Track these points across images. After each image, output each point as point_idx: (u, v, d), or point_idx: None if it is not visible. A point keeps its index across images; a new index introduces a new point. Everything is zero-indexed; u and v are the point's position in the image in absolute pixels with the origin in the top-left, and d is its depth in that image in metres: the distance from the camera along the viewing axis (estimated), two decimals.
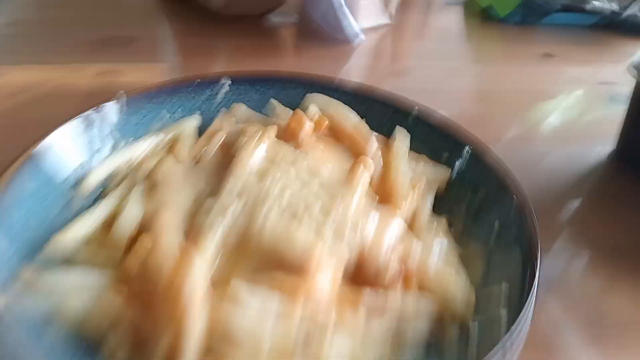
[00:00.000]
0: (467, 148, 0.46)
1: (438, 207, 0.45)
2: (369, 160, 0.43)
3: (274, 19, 0.89)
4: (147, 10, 0.88)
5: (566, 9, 0.96)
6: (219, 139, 0.45)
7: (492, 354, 0.28)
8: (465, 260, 0.40)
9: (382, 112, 0.52)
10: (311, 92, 0.52)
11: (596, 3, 0.94)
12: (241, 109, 0.51)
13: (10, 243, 0.35)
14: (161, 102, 0.49)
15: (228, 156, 0.43)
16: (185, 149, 0.45)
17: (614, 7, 0.94)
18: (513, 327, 0.30)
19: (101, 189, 0.43)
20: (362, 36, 0.83)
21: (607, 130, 0.66)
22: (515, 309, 0.32)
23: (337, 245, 0.36)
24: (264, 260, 0.34)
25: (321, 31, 0.85)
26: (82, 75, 0.67)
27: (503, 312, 0.33)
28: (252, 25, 0.85)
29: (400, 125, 0.49)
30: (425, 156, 0.48)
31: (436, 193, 0.46)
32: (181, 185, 0.40)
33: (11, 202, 0.37)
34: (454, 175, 0.46)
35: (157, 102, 0.49)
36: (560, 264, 0.48)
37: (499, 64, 0.85)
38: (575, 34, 0.96)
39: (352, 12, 0.82)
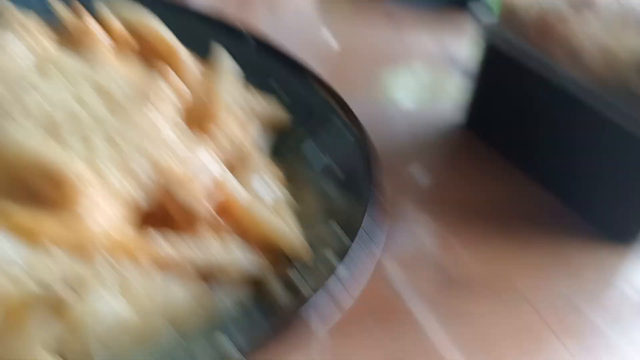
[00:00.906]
0: (305, 81, 0.39)
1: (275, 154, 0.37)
2: (174, 76, 0.33)
3: None
4: None
5: None
6: None
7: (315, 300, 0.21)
8: (296, 199, 0.32)
9: (205, 38, 0.42)
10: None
11: None
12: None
13: None
14: None
15: None
16: None
17: None
18: (340, 267, 0.23)
19: None
20: None
21: (453, 99, 0.64)
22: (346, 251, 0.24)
23: (124, 183, 0.25)
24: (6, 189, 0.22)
25: None
26: None
27: (329, 255, 0.25)
28: None
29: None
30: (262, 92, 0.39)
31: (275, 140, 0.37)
32: None
33: None
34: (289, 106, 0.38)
35: None
36: (405, 227, 0.43)
37: (347, 23, 0.81)
38: (423, 7, 0.95)
39: None
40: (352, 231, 0.26)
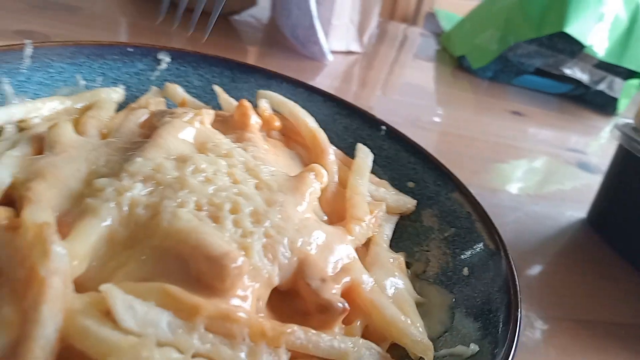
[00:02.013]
0: (439, 178, 0.39)
1: (397, 242, 0.37)
2: (322, 171, 0.35)
3: (241, 18, 0.82)
4: None
5: (540, 72, 0.94)
6: (139, 115, 0.36)
7: None
8: (423, 308, 0.32)
9: (346, 126, 0.45)
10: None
11: (568, 71, 0.92)
12: (177, 90, 0.42)
13: None
14: (78, 64, 0.40)
15: (144, 137, 0.34)
16: (93, 121, 0.35)
17: (586, 79, 0.93)
18: None
19: None
20: (331, 57, 0.77)
21: (575, 196, 0.63)
22: None
23: (265, 263, 0.27)
24: (161, 265, 0.25)
25: (289, 42, 0.78)
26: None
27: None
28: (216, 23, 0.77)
29: (364, 144, 0.41)
30: (386, 181, 0.41)
31: (396, 226, 0.38)
32: (74, 157, 0.30)
33: None
34: (422, 207, 0.39)
35: (73, 64, 0.40)
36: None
37: (467, 112, 0.81)
38: (545, 99, 0.94)
39: (323, 31, 0.76)
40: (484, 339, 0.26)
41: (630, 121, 0.54)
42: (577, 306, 0.45)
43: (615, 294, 0.47)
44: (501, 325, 0.27)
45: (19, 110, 0.34)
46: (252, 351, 0.23)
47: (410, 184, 0.40)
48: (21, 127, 0.35)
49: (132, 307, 0.21)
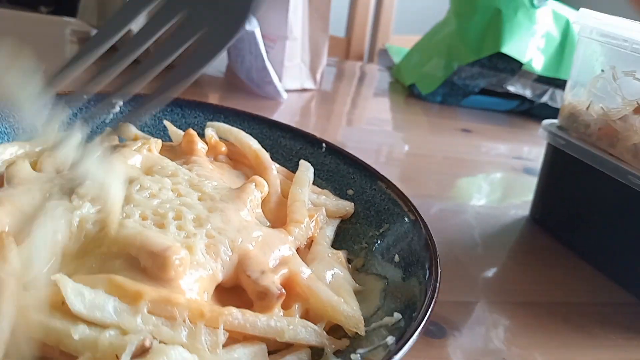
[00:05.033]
0: (374, 183, 0.43)
1: (339, 243, 0.41)
2: (262, 181, 0.39)
3: None
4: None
5: (484, 92, 1.00)
6: (93, 152, 0.40)
7: None
8: (361, 295, 0.35)
9: (290, 147, 0.49)
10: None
11: (511, 88, 0.98)
12: (129, 128, 0.46)
13: None
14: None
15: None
16: (49, 159, 0.39)
17: (528, 94, 0.99)
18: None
19: None
20: (285, 95, 0.82)
21: (520, 197, 0.67)
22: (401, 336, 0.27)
23: (208, 259, 0.30)
24: (109, 267, 0.28)
25: (246, 86, 0.83)
26: None
27: (389, 340, 0.28)
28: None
29: (307, 161, 0.45)
30: (328, 191, 0.45)
31: (339, 229, 0.42)
32: (30, 188, 0.33)
33: None
34: (360, 210, 0.43)
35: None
36: (472, 320, 0.43)
37: (422, 133, 0.86)
38: (493, 116, 1.00)
39: (278, 72, 0.81)
40: (407, 308, 0.29)
41: (555, 121, 0.59)
42: (521, 291, 0.48)
43: (556, 278, 0.50)
44: (420, 290, 0.30)
45: None
46: (192, 332, 0.26)
47: (350, 192, 0.44)
48: None
49: (81, 294, 0.24)
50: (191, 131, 0.42)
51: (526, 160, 0.80)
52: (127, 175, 0.35)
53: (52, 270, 0.28)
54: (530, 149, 0.87)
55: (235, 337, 0.28)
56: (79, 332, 0.24)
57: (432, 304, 0.28)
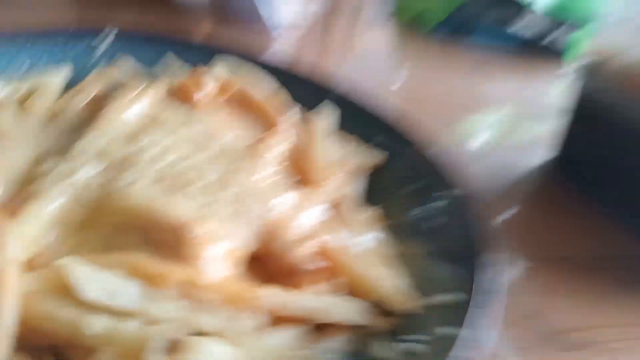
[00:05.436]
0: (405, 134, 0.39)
1: (369, 198, 0.37)
2: (282, 134, 0.34)
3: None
4: None
5: (490, 30, 0.94)
6: (88, 93, 0.35)
7: None
8: (404, 263, 0.31)
9: (306, 92, 0.43)
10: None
11: (518, 26, 0.93)
12: (127, 64, 0.40)
13: None
14: (19, 46, 0.38)
15: (95, 113, 0.32)
16: (41, 103, 0.34)
17: (536, 31, 0.94)
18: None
19: None
20: (281, 28, 0.75)
21: (537, 141, 0.63)
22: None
23: (235, 224, 0.26)
24: (122, 239, 0.24)
25: (237, 18, 0.76)
26: None
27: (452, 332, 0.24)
28: (159, 2, 0.74)
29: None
30: (355, 139, 0.40)
31: (370, 181, 0.38)
32: (18, 143, 0.28)
33: None
34: (390, 161, 0.38)
35: (15, 46, 0.38)
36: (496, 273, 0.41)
37: (427, 71, 0.81)
38: (500, 53, 0.94)
39: (271, 5, 0.74)
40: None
41: (589, 62, 0.54)
42: (556, 244, 0.45)
43: (589, 230, 0.47)
44: (478, 270, 0.27)
45: None
46: (227, 318, 0.22)
47: (378, 139, 0.40)
48: None
49: (95, 278, 0.20)
50: (200, 70, 0.37)
51: (543, 100, 0.76)
52: (129, 130, 0.30)
53: (56, 243, 0.23)
54: (546, 88, 0.82)
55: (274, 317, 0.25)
56: (99, 325, 0.20)
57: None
